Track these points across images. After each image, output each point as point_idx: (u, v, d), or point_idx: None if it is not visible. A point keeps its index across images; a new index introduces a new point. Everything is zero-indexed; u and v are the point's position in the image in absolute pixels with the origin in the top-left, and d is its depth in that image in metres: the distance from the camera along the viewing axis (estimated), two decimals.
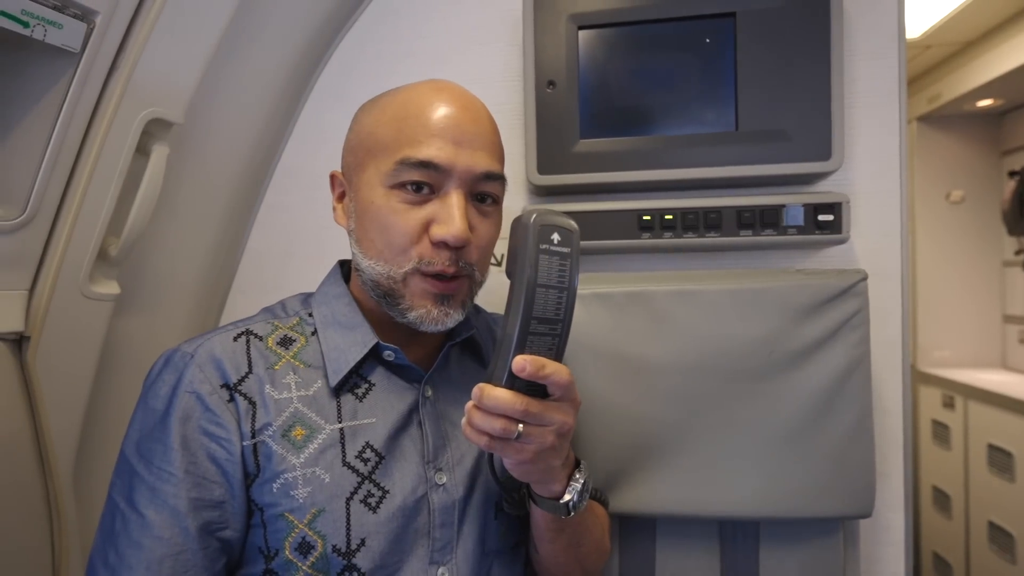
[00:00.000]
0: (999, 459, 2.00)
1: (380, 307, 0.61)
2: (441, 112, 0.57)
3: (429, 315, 0.57)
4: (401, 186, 0.56)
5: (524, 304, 0.49)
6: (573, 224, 0.51)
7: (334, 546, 0.54)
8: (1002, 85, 2.03)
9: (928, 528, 2.44)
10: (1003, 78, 1.97)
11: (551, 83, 0.86)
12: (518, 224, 0.51)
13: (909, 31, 2.00)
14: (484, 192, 0.59)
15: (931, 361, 2.43)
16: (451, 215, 0.55)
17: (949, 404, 2.28)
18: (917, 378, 2.46)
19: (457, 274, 0.58)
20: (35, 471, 0.76)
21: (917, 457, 2.50)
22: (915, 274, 2.44)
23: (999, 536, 2.00)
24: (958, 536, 2.22)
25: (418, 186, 0.56)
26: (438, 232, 0.55)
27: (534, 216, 0.50)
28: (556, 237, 0.50)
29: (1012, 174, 2.17)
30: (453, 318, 0.59)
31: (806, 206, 0.83)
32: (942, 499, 2.33)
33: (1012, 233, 2.21)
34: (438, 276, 0.57)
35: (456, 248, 0.56)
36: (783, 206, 0.83)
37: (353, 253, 0.61)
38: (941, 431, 2.33)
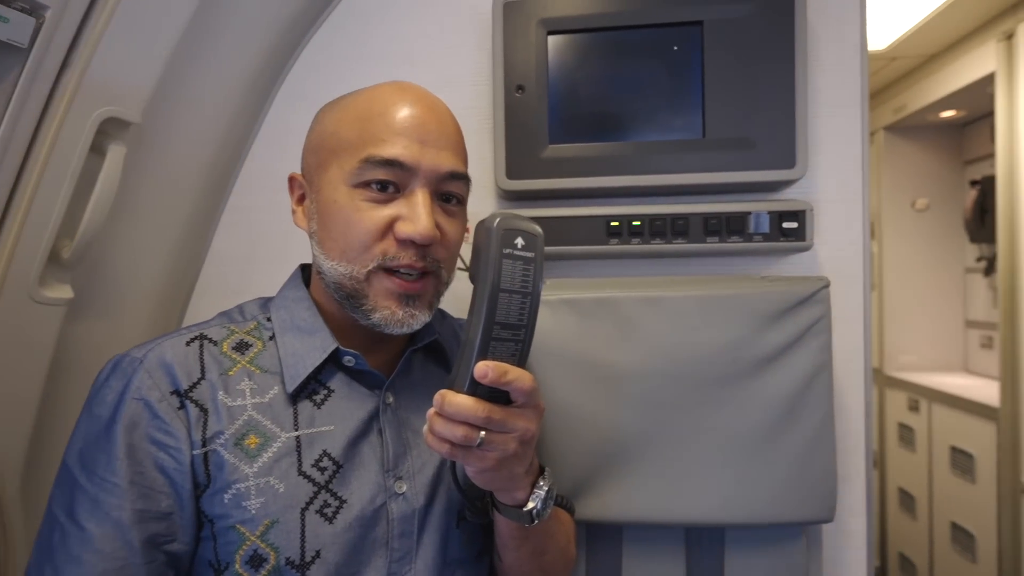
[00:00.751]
0: (961, 461, 2.06)
1: (342, 311, 0.60)
2: (406, 112, 0.56)
3: (394, 316, 0.56)
4: (365, 185, 0.55)
5: (487, 309, 0.49)
6: (537, 229, 0.51)
7: (287, 558, 0.53)
8: (963, 97, 2.10)
9: (894, 529, 2.49)
10: (964, 90, 2.03)
11: (520, 87, 0.85)
12: (482, 228, 0.51)
13: (875, 43, 2.05)
14: (449, 192, 0.59)
15: (897, 365, 2.49)
16: (417, 213, 0.55)
17: (914, 407, 2.33)
18: (884, 382, 2.52)
19: (424, 270, 0.57)
20: None
21: (884, 460, 2.55)
22: (882, 280, 2.50)
23: (961, 536, 2.05)
24: (922, 537, 2.27)
25: (383, 185, 0.55)
26: (404, 230, 0.55)
27: (498, 220, 0.49)
28: (520, 242, 0.50)
29: (973, 183, 2.24)
30: (419, 319, 0.58)
31: (771, 213, 0.84)
32: (908, 501, 2.38)
33: (974, 240, 2.28)
34: (404, 274, 0.56)
35: (423, 246, 0.56)
36: (749, 213, 0.84)
37: (315, 256, 0.60)
38: (907, 434, 2.39)
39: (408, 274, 0.56)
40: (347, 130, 0.57)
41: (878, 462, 2.59)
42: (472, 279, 0.51)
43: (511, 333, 0.50)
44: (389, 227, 0.56)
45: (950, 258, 2.48)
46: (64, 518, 0.51)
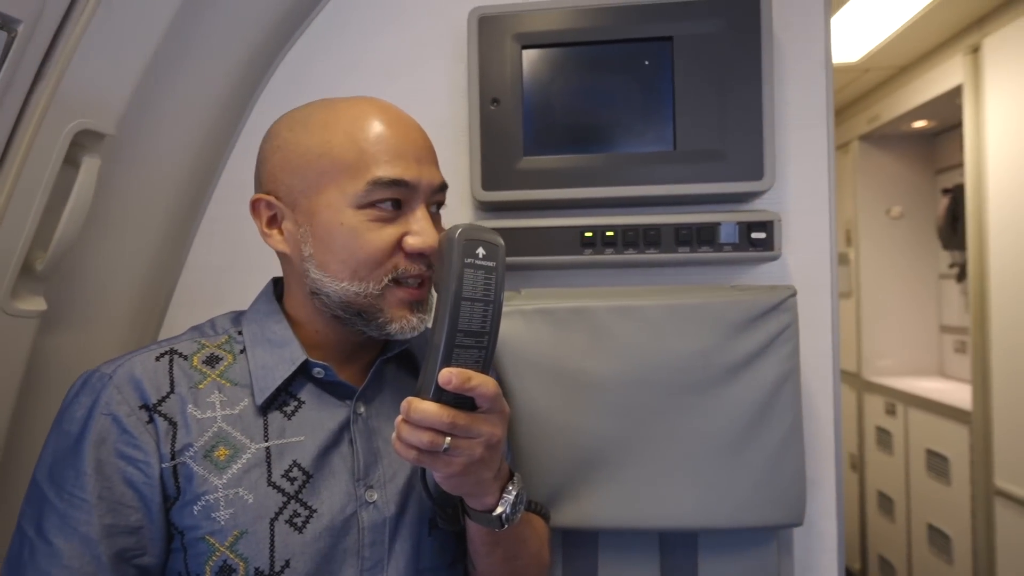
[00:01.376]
0: (936, 463, 2.10)
1: (329, 328, 0.62)
2: (396, 131, 0.59)
3: (409, 324, 0.60)
4: (372, 205, 0.57)
5: (449, 317, 0.50)
6: (499, 239, 0.53)
7: (256, 568, 0.53)
8: (934, 108, 2.15)
9: (874, 531, 2.53)
10: (934, 101, 2.09)
11: (495, 100, 0.87)
12: (444, 238, 0.52)
13: (849, 55, 2.10)
14: (437, 202, 0.63)
15: (875, 370, 2.53)
16: (424, 227, 0.58)
17: (891, 411, 2.37)
18: (862, 386, 2.56)
19: (426, 278, 0.61)
20: None
21: (863, 463, 2.59)
22: (859, 286, 2.54)
23: (937, 538, 2.09)
24: (900, 538, 2.31)
25: (394, 203, 0.58)
26: (415, 243, 0.58)
27: (459, 231, 0.51)
28: (481, 251, 0.51)
29: (945, 191, 2.30)
30: (425, 322, 0.61)
31: (740, 224, 0.86)
32: (886, 503, 2.41)
33: (946, 247, 2.33)
34: (411, 283, 0.59)
35: (427, 256, 0.59)
36: (718, 224, 0.86)
37: (312, 279, 0.59)
38: (884, 437, 2.43)
39: (414, 283, 0.60)
40: (341, 151, 0.57)
41: (857, 465, 2.63)
42: (436, 288, 0.53)
43: (474, 340, 0.51)
44: (398, 243, 0.58)
45: (924, 264, 2.53)
46: (33, 534, 0.51)
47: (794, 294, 0.81)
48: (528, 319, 0.82)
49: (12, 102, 0.66)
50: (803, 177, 0.91)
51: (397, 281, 0.59)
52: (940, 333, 2.52)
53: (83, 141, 0.74)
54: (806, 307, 0.86)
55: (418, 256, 0.59)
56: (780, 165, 0.90)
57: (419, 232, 0.58)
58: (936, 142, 2.53)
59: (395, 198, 0.58)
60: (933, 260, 2.52)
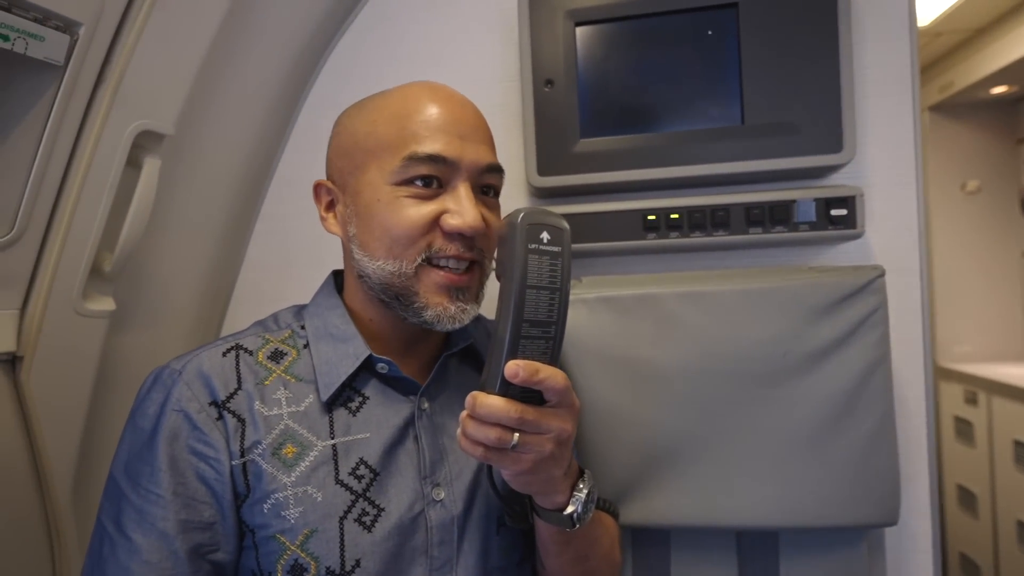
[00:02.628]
0: None
1: (381, 316, 0.60)
2: (442, 109, 0.57)
3: (446, 312, 0.56)
4: (408, 182, 0.55)
5: (515, 307, 0.47)
6: (563, 222, 0.49)
7: (328, 568, 0.52)
8: (1017, 71, 1.98)
9: (954, 528, 2.38)
10: (1018, 64, 1.92)
11: (549, 82, 0.83)
12: (506, 223, 0.50)
13: (919, 19, 1.96)
14: (488, 184, 0.60)
15: (951, 356, 2.37)
16: (463, 206, 0.55)
17: (972, 400, 2.22)
18: (937, 374, 2.40)
19: (472, 260, 0.57)
20: (33, 492, 0.74)
21: (940, 455, 2.44)
22: (932, 267, 2.39)
23: None
24: (986, 536, 2.16)
25: (427, 180, 0.56)
26: (452, 222, 0.55)
27: (522, 215, 0.48)
28: (546, 236, 0.48)
29: None
30: (469, 313, 0.58)
31: (818, 200, 0.79)
32: (968, 498, 2.26)
33: None
34: (451, 268, 0.56)
35: (470, 238, 0.56)
36: (794, 201, 0.80)
37: (356, 260, 0.59)
38: (964, 428, 2.27)
39: (455, 267, 0.56)
40: (384, 130, 0.57)
41: (936, 458, 2.47)
42: (498, 276, 0.50)
43: (541, 330, 0.48)
44: (435, 221, 0.56)
45: (1006, 241, 2.35)
46: (112, 529, 0.52)
47: (883, 274, 0.74)
48: (591, 308, 0.79)
49: (77, 104, 0.67)
50: (886, 148, 0.84)
51: (433, 263, 0.56)
52: None
53: (143, 142, 0.75)
54: (892, 289, 0.79)
55: (457, 236, 0.55)
56: (860, 136, 0.83)
57: (458, 211, 0.55)
58: (1019, 108, 2.34)
59: (433, 175, 0.55)
60: (1016, 236, 2.34)
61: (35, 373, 0.72)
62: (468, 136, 0.57)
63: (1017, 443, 1.99)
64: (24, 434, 0.73)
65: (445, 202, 0.56)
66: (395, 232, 0.55)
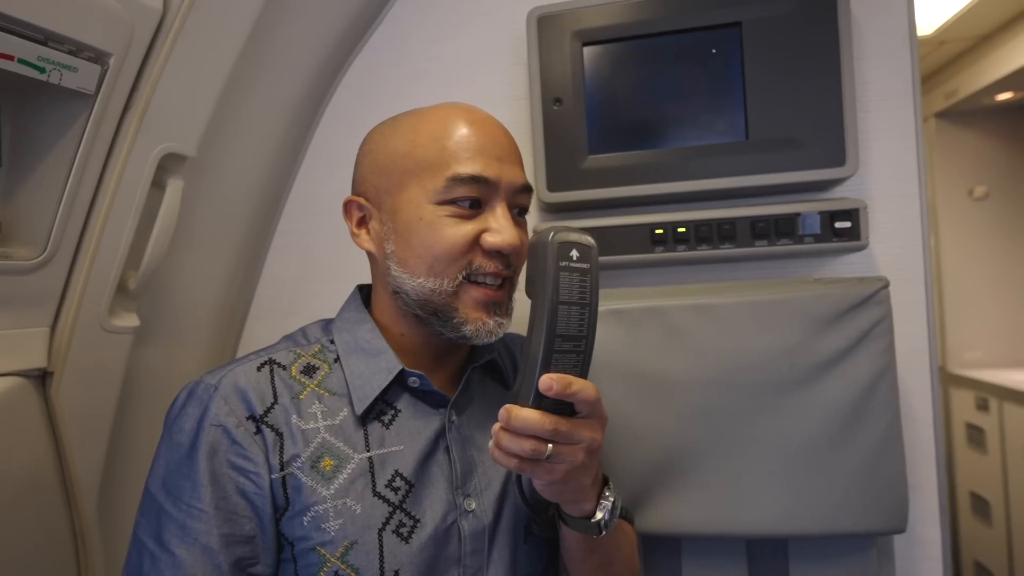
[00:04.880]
0: None
1: (414, 330, 0.62)
2: (479, 130, 0.59)
3: (485, 327, 0.58)
4: (451, 202, 0.57)
5: (547, 322, 0.49)
6: (591, 240, 0.51)
7: None
8: (1021, 78, 1.99)
9: (967, 536, 2.35)
10: (1022, 71, 1.93)
11: (558, 100, 0.86)
12: (536, 242, 0.51)
13: (922, 28, 1.97)
14: (519, 204, 0.62)
15: (962, 363, 2.36)
16: (503, 225, 0.58)
17: (983, 406, 2.20)
18: (948, 381, 2.39)
19: (506, 277, 0.60)
20: (61, 505, 0.77)
21: (952, 463, 2.42)
22: (940, 274, 2.38)
23: None
24: (999, 543, 2.14)
25: (471, 201, 0.57)
26: (493, 241, 0.57)
27: (552, 234, 0.50)
28: (575, 253, 0.50)
29: None
30: (504, 327, 0.60)
31: (822, 213, 0.81)
32: (981, 505, 2.25)
33: None
34: (489, 284, 0.58)
35: (507, 255, 0.58)
36: (798, 214, 0.82)
37: (393, 276, 0.60)
38: (976, 434, 2.26)
39: (492, 283, 0.59)
40: (423, 151, 0.58)
41: (945, 465, 2.46)
42: (529, 294, 0.52)
43: (572, 345, 0.50)
44: (475, 240, 0.58)
45: (1014, 247, 2.35)
46: (153, 545, 0.53)
47: (887, 285, 0.76)
48: (601, 320, 0.80)
49: (106, 131, 0.70)
50: (888, 160, 0.85)
51: (473, 280, 0.58)
52: None
53: (167, 164, 0.78)
54: (897, 299, 0.81)
55: (496, 254, 0.58)
56: (863, 149, 0.85)
57: (498, 230, 0.57)
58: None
59: (475, 196, 0.57)
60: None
61: (64, 388, 0.75)
62: (504, 158, 0.59)
63: None
64: (52, 448, 0.75)
65: (485, 221, 0.58)
66: (437, 250, 0.57)
